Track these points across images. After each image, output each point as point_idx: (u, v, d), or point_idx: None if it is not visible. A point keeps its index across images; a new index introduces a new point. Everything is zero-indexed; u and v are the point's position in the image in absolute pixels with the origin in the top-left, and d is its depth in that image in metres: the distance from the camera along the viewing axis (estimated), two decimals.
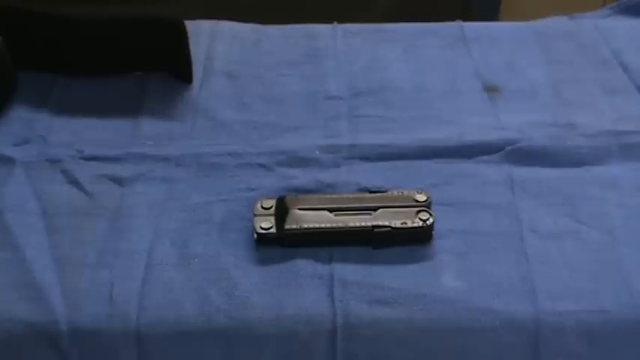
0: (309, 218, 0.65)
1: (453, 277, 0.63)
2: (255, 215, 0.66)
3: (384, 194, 0.67)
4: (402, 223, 0.65)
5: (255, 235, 0.65)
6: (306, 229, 0.64)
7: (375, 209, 0.66)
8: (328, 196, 0.69)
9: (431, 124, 0.78)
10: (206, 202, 0.69)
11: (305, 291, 0.62)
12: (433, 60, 0.88)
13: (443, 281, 0.63)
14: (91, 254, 0.64)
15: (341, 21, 0.95)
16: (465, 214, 0.68)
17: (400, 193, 0.67)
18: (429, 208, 0.66)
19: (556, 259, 0.65)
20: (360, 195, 0.68)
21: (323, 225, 0.65)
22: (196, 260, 0.64)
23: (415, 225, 0.65)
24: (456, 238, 0.66)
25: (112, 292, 0.61)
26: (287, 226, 0.64)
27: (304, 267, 0.63)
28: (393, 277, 0.63)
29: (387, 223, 0.65)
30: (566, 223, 0.68)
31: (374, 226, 0.64)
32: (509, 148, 0.75)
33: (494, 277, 0.63)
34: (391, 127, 0.78)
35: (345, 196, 0.68)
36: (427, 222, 0.65)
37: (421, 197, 0.67)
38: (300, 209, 0.66)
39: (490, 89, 0.83)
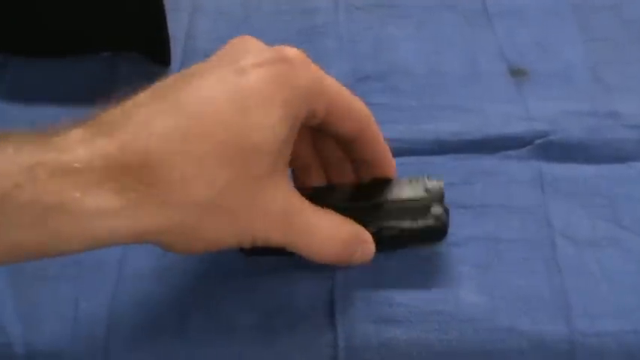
0: None
1: (473, 292, 0.63)
2: None
3: (388, 184, 0.66)
4: (411, 222, 0.64)
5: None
6: None
7: (379, 206, 0.65)
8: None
9: (447, 114, 0.79)
10: None
11: (300, 308, 0.63)
12: (450, 39, 0.88)
13: (462, 296, 0.63)
14: (51, 265, 0.65)
15: None
16: (487, 219, 0.69)
17: (408, 181, 0.66)
18: (442, 198, 0.65)
19: (594, 270, 0.65)
20: (360, 190, 0.66)
21: None
22: (174, 273, 0.65)
23: (428, 224, 0.64)
24: (476, 247, 0.67)
25: (77, 309, 0.62)
26: None
27: (300, 280, 0.64)
28: (404, 291, 0.63)
29: (393, 224, 0.64)
30: (606, 229, 0.69)
31: (380, 229, 0.63)
32: (538, 141, 0.75)
33: (522, 292, 0.63)
34: (401, 117, 0.79)
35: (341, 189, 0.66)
36: (441, 218, 0.64)
37: (433, 185, 0.66)
38: None
39: (517, 73, 0.83)
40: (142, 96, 0.53)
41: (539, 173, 0.73)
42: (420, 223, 0.64)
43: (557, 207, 0.70)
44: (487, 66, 0.85)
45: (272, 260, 0.65)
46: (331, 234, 0.59)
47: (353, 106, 0.60)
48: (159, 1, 0.82)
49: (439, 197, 0.65)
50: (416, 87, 0.82)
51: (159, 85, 0.54)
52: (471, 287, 0.64)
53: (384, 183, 0.65)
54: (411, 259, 0.65)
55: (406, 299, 0.63)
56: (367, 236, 0.61)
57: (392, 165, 0.65)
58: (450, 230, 0.65)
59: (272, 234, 0.55)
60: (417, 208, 0.64)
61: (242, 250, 0.63)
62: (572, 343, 0.61)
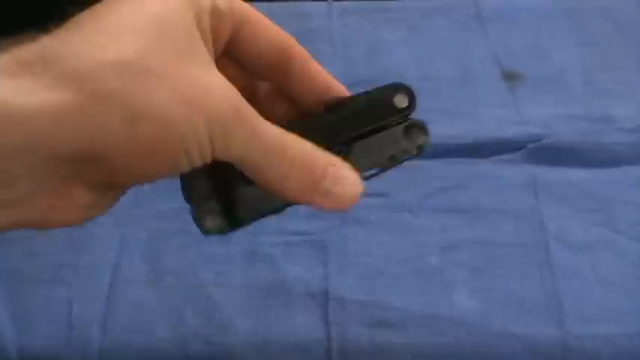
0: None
1: (467, 296, 0.64)
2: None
3: (349, 109, 0.53)
4: (390, 158, 0.53)
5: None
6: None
7: (348, 143, 0.52)
8: None
9: (440, 118, 0.78)
10: (180, 209, 0.70)
11: (295, 312, 0.63)
12: (443, 43, 0.89)
13: (455, 300, 0.64)
14: (46, 268, 0.65)
15: None
16: (480, 223, 0.69)
17: (369, 97, 0.53)
18: (412, 112, 0.54)
19: (588, 274, 0.66)
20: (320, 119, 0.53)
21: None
22: (169, 277, 0.65)
23: (408, 156, 0.53)
24: (470, 250, 0.67)
25: (71, 313, 0.62)
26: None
27: (294, 284, 0.64)
28: (398, 294, 0.64)
29: (373, 169, 0.52)
30: (600, 233, 0.69)
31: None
32: (532, 145, 0.75)
33: (515, 296, 0.64)
34: None
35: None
36: (423, 147, 0.53)
37: (401, 101, 0.54)
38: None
39: (510, 77, 0.84)
40: None
41: (532, 177, 0.73)
42: (400, 157, 0.52)
43: (550, 211, 0.70)
44: (480, 70, 0.85)
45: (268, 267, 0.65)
46: (297, 152, 0.48)
47: (268, 22, 0.52)
48: None
49: (411, 110, 0.54)
50: None
51: None
52: (464, 291, 0.64)
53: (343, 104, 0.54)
54: (405, 265, 0.65)
55: (400, 303, 0.63)
56: (345, 170, 0.49)
57: (336, 82, 0.55)
58: (444, 234, 0.65)
59: (226, 135, 0.44)
60: (392, 135, 0.53)
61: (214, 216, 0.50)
62: (565, 346, 0.61)
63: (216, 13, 0.48)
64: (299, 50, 0.53)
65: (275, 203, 0.50)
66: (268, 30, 0.52)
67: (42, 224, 0.44)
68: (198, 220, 0.49)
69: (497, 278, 0.65)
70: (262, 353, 0.61)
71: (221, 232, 0.49)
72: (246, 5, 0.51)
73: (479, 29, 0.90)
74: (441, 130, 0.77)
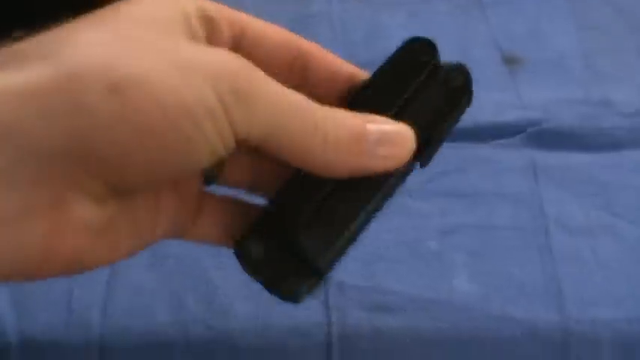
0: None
1: (466, 280, 0.64)
2: None
3: (375, 85, 0.48)
4: (440, 114, 0.47)
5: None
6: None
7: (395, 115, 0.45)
8: None
9: None
10: None
11: None
12: (443, 27, 0.89)
13: (455, 285, 0.64)
14: None
15: None
16: (480, 207, 0.69)
17: (390, 65, 0.49)
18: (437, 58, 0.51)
19: (587, 258, 0.66)
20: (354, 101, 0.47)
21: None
22: (170, 261, 0.65)
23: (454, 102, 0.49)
24: (469, 234, 0.67)
25: (71, 298, 0.62)
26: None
27: None
28: (397, 279, 0.64)
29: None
30: (600, 217, 0.69)
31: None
32: (532, 129, 0.76)
33: (515, 280, 0.64)
34: None
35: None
36: (459, 84, 0.49)
37: (424, 54, 0.50)
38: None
39: (510, 61, 0.84)
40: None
41: (532, 161, 0.73)
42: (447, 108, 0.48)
43: (550, 195, 0.70)
44: (480, 54, 0.85)
45: None
46: (327, 112, 0.41)
47: (271, 26, 0.47)
48: None
49: (437, 59, 0.51)
50: None
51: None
52: (464, 275, 0.64)
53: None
54: (404, 248, 0.65)
55: (399, 287, 0.63)
56: (388, 121, 0.43)
57: (358, 69, 0.49)
58: (444, 219, 0.65)
59: (243, 100, 0.37)
60: (431, 89, 0.48)
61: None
62: (565, 330, 0.61)
63: (206, 20, 0.43)
64: (309, 45, 0.48)
65: (345, 229, 0.43)
66: (272, 34, 0.47)
67: (43, 264, 0.35)
68: (282, 296, 0.44)
69: (497, 262, 0.65)
70: (262, 337, 0.61)
71: (313, 292, 0.43)
72: (244, 15, 0.47)
73: (479, 13, 0.90)
74: None
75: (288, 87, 0.40)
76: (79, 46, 0.35)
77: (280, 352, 0.61)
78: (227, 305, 0.62)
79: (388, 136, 0.42)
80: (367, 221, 0.44)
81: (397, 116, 0.44)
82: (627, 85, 0.81)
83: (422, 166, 0.45)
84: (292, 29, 0.85)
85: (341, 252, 0.44)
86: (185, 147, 0.35)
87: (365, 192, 0.44)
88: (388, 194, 0.44)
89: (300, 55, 0.47)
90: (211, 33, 0.43)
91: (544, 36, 0.87)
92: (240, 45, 0.45)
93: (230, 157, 0.39)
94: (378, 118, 0.43)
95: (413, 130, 0.43)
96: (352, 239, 0.44)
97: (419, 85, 0.47)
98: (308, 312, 0.62)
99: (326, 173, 0.41)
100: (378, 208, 0.44)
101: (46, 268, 0.35)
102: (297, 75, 0.47)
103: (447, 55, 0.85)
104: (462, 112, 0.48)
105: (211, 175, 0.45)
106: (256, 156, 0.43)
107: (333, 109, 0.41)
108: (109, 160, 0.34)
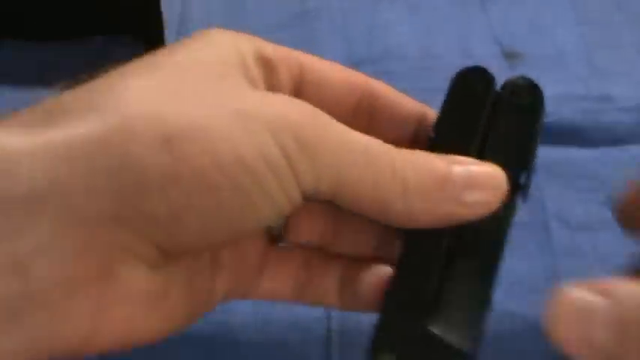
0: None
1: None
2: None
3: (446, 123, 0.45)
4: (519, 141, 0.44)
5: None
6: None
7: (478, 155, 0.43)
8: None
9: (441, 98, 0.77)
10: None
11: None
12: (443, 22, 0.88)
13: None
14: None
15: None
16: None
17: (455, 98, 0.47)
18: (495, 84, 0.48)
19: (588, 253, 0.66)
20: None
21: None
22: None
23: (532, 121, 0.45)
24: None
25: None
26: None
27: None
28: None
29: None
30: (601, 212, 0.69)
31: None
32: None
33: (515, 275, 0.64)
34: None
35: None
36: (528, 100, 0.47)
37: (480, 83, 0.48)
38: None
39: (510, 56, 0.84)
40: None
41: None
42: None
43: (551, 190, 0.70)
44: (481, 49, 0.85)
45: None
46: (405, 156, 0.37)
47: (334, 65, 0.44)
48: None
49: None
50: (409, 70, 0.82)
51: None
52: None
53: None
54: None
55: None
56: (473, 162, 0.40)
57: (427, 107, 0.48)
58: None
59: (309, 150, 0.34)
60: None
61: None
62: None
63: (264, 62, 0.40)
64: (374, 84, 0.45)
65: (475, 301, 0.43)
66: (334, 73, 0.43)
67: (90, 342, 0.32)
68: None
69: None
70: (262, 332, 0.61)
71: None
72: (302, 54, 0.43)
73: (479, 8, 0.90)
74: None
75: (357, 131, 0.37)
76: (130, 95, 0.33)
77: (280, 346, 0.61)
78: (226, 303, 0.62)
79: (477, 179, 0.39)
80: (496, 279, 0.43)
81: (480, 156, 0.41)
82: (629, 80, 0.81)
83: (524, 201, 0.43)
84: (293, 25, 0.86)
85: (482, 326, 0.42)
86: (245, 206, 0.33)
87: (485, 249, 0.42)
88: (506, 243, 0.43)
89: (365, 96, 0.44)
90: (270, 76, 0.40)
91: (544, 31, 0.87)
92: (300, 89, 0.42)
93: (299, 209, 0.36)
94: (462, 159, 0.39)
95: (501, 169, 0.40)
96: (489, 306, 0.43)
97: (489, 118, 0.45)
98: (308, 307, 0.62)
99: (407, 224, 0.38)
100: (500, 264, 0.43)
101: (93, 345, 0.33)
102: (364, 118, 0.44)
103: (448, 49, 0.86)
104: (542, 125, 0.45)
105: (277, 232, 0.42)
106: (330, 205, 0.39)
107: (411, 151, 0.38)
108: (160, 221, 0.32)
